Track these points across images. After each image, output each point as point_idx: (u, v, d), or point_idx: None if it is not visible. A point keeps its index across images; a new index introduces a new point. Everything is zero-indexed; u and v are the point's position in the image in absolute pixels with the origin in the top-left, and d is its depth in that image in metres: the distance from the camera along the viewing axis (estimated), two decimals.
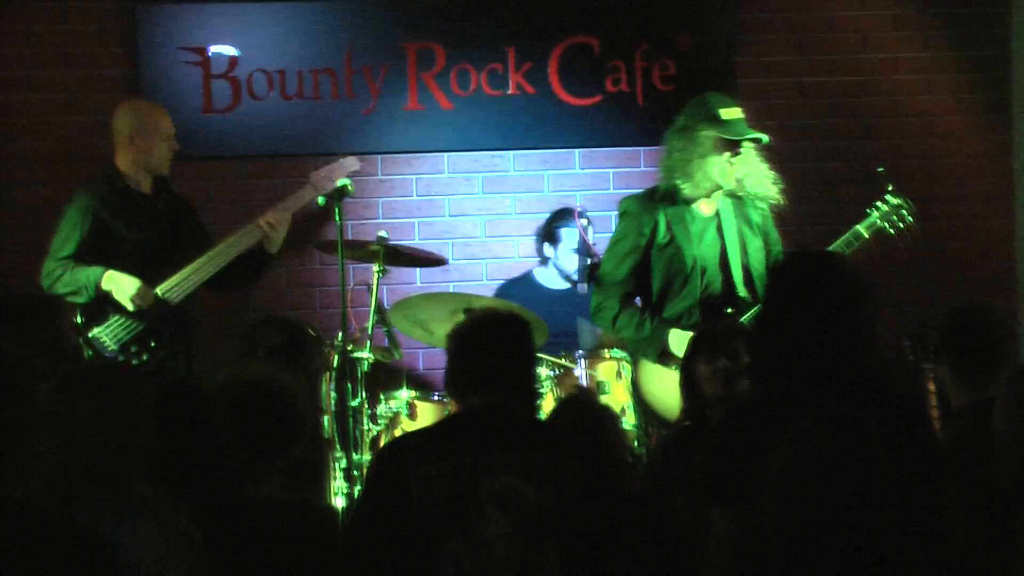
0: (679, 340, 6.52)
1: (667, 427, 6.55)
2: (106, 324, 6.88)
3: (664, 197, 6.70)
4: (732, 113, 6.62)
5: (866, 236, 6.72)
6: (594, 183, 8.58)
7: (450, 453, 4.43)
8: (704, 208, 6.71)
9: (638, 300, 6.82)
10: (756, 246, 6.72)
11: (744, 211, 6.77)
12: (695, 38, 8.70)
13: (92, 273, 6.87)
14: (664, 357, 6.65)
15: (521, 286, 8.13)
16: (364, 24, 8.48)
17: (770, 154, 6.77)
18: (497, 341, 4.64)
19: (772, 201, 6.77)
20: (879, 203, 6.77)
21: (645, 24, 8.67)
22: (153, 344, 6.93)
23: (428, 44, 8.52)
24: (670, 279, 6.67)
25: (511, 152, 8.64)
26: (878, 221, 6.76)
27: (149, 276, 6.94)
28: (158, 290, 6.94)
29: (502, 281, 8.25)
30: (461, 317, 7.11)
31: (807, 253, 4.77)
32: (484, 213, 8.61)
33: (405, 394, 7.07)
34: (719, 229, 6.70)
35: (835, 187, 8.81)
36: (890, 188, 6.80)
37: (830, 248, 6.61)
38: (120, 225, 7.02)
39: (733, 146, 6.61)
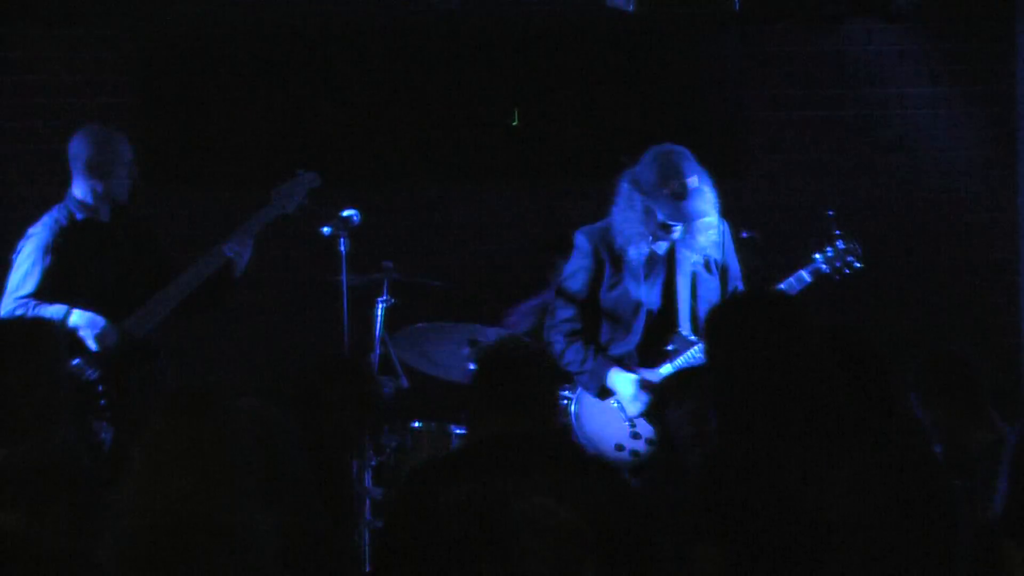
0: (619, 379, 6.57)
1: None
2: (72, 364, 6.68)
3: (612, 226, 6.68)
4: (675, 184, 6.45)
5: (808, 280, 6.65)
6: (601, 214, 8.55)
7: (479, 476, 4.38)
8: (659, 247, 6.65)
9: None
10: (710, 286, 6.67)
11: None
12: (703, 73, 8.72)
13: (56, 312, 6.59)
14: (604, 393, 6.63)
15: (532, 316, 8.08)
16: (369, 54, 8.52)
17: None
18: (520, 371, 4.59)
19: (706, 251, 6.67)
20: (828, 248, 6.72)
21: (652, 56, 8.69)
22: (122, 382, 6.72)
23: (433, 74, 8.54)
24: (616, 320, 6.66)
25: (517, 182, 8.64)
26: (823, 267, 6.70)
27: (110, 308, 6.72)
28: (124, 324, 6.74)
29: (510, 312, 8.21)
30: (467, 348, 7.14)
31: (739, 298, 4.76)
32: (490, 244, 8.61)
33: (409, 424, 7.03)
34: (671, 268, 6.66)
35: (841, 222, 8.80)
36: (838, 233, 6.74)
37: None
38: (79, 259, 6.76)
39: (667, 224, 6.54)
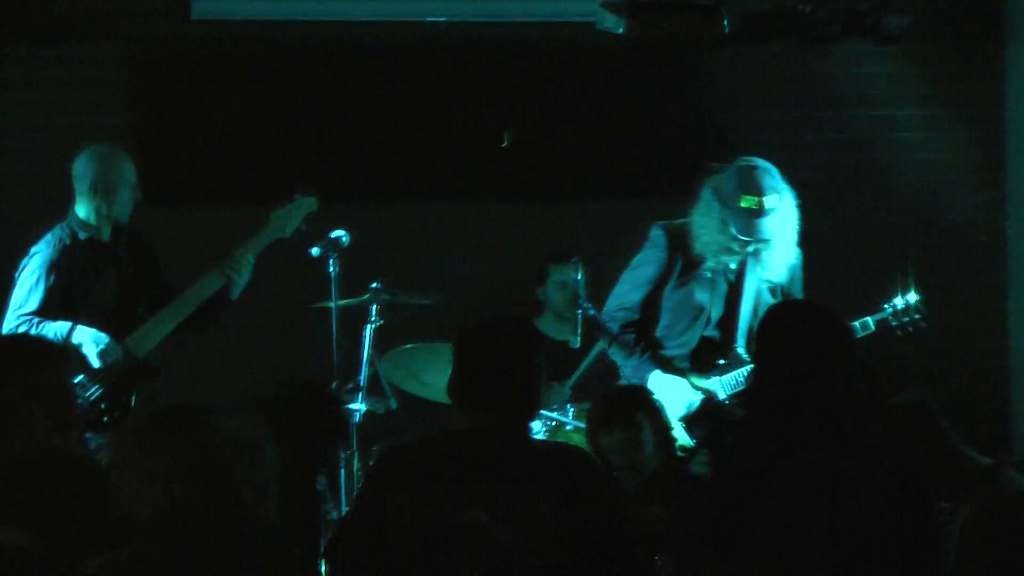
0: (660, 381, 6.52)
1: None
2: (75, 381, 6.69)
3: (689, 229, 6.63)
4: (752, 201, 6.41)
5: (872, 329, 6.61)
6: (591, 234, 8.59)
7: (424, 481, 4.28)
8: (732, 259, 6.61)
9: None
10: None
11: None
12: (693, 94, 8.76)
13: (60, 329, 6.64)
14: None
15: None
16: (360, 73, 8.57)
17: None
18: (501, 355, 4.42)
19: (781, 275, 6.64)
20: (897, 301, 6.68)
21: (643, 78, 8.73)
22: (123, 399, 6.81)
23: (426, 94, 8.59)
24: (675, 320, 6.63)
25: (508, 202, 8.67)
26: (890, 318, 6.66)
27: (113, 326, 6.77)
28: (127, 343, 6.81)
29: None
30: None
31: (782, 306, 4.74)
32: (480, 263, 8.63)
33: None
34: (738, 283, 6.65)
35: (830, 243, 8.83)
36: (911, 283, 6.68)
37: None
38: (82, 277, 6.83)
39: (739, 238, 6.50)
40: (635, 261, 6.79)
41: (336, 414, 5.65)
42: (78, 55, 8.34)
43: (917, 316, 6.64)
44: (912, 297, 6.64)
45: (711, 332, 6.64)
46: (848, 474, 3.69)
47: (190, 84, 8.41)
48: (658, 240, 6.67)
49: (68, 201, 8.11)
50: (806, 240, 8.66)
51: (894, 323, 6.62)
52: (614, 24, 7.98)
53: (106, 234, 6.91)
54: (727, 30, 8.00)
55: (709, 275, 6.58)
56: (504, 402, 4.41)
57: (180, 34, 8.41)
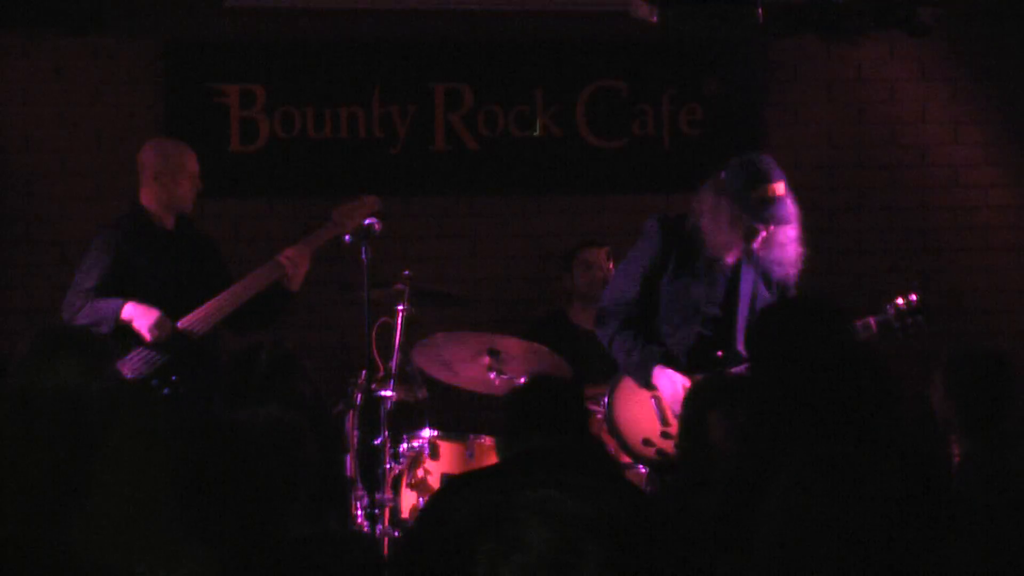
0: (664, 378, 6.50)
1: (630, 454, 6.61)
2: (127, 358, 6.85)
3: (692, 229, 6.63)
4: (763, 193, 6.40)
5: (874, 331, 6.56)
6: (620, 226, 8.58)
7: (497, 483, 4.41)
8: (731, 255, 6.62)
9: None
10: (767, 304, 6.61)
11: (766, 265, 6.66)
12: (723, 84, 8.73)
13: (112, 304, 6.85)
14: (650, 385, 6.58)
15: (551, 326, 8.09)
16: (392, 64, 8.53)
17: (796, 201, 6.66)
18: (554, 408, 4.78)
19: (773, 266, 6.62)
20: (899, 301, 6.64)
21: (673, 68, 8.71)
22: (174, 378, 6.90)
23: (456, 85, 8.56)
24: (671, 314, 6.61)
25: (537, 194, 8.66)
26: (893, 321, 6.62)
27: (171, 312, 6.90)
28: (179, 323, 6.93)
29: (528, 322, 8.22)
30: (485, 357, 7.14)
31: (786, 303, 4.75)
32: (510, 254, 8.62)
33: (428, 433, 7.04)
34: (735, 279, 6.64)
35: (861, 236, 8.81)
36: (917, 298, 6.63)
37: None
38: (142, 261, 7.02)
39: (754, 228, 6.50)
40: (630, 254, 6.78)
41: (292, 377, 5.69)
42: (109, 45, 8.35)
43: (919, 316, 6.59)
44: (913, 297, 6.59)
45: (709, 329, 6.61)
46: (857, 464, 3.67)
47: (221, 73, 8.41)
48: (652, 232, 6.66)
49: (97, 193, 8.19)
50: (836, 233, 8.69)
51: (897, 325, 6.56)
52: (648, 13, 7.98)
53: (169, 223, 7.15)
54: (760, 20, 8.00)
55: (705, 271, 6.57)
56: (566, 428, 4.78)
57: (213, 22, 8.41)
